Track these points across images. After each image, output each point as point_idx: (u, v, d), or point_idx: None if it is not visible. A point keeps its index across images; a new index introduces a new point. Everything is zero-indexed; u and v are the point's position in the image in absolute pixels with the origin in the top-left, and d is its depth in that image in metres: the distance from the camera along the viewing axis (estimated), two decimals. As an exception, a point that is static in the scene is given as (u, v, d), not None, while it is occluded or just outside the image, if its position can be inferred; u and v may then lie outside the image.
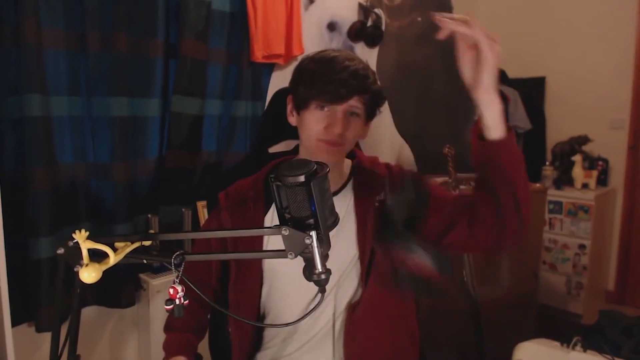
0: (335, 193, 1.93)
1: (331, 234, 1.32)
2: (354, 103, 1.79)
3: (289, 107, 1.93)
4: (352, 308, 1.87)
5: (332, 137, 1.80)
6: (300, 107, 1.85)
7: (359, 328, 1.87)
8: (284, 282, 1.91)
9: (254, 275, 1.93)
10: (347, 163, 2.02)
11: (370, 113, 1.89)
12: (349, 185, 1.97)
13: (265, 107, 3.70)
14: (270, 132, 3.15)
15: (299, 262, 1.26)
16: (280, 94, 3.40)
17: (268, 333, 1.98)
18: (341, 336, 1.87)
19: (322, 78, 1.77)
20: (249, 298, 1.94)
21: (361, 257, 1.87)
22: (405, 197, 1.67)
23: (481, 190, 1.69)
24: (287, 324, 1.33)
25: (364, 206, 1.90)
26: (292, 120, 1.94)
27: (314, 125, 1.81)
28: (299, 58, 3.74)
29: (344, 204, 1.92)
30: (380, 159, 2.07)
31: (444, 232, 1.82)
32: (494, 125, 1.57)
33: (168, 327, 2.04)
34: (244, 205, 1.96)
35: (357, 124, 1.85)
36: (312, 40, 4.10)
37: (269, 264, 1.92)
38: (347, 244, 1.88)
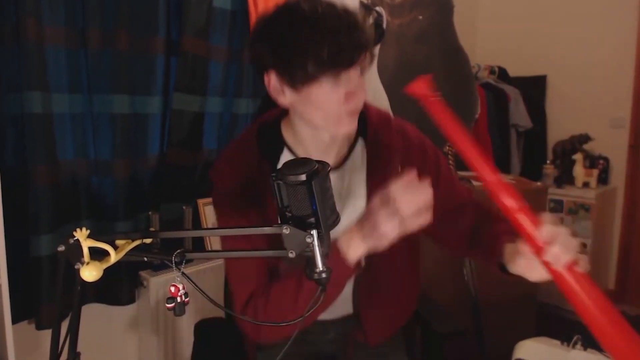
0: (344, 159, 1.81)
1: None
2: (363, 59, 1.57)
3: (274, 85, 1.62)
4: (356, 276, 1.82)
5: (355, 107, 1.61)
6: (302, 83, 1.54)
7: (364, 289, 1.87)
8: None
9: None
10: None
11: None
12: (359, 150, 1.82)
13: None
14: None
15: None
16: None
17: None
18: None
19: (334, 45, 1.47)
20: None
21: None
22: None
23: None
24: (288, 322, 1.31)
25: (377, 184, 1.60)
26: (284, 100, 1.64)
27: (334, 100, 1.55)
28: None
29: (355, 173, 1.80)
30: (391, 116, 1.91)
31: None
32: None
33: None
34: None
35: (363, 78, 1.63)
36: (313, 38, 4.08)
37: None
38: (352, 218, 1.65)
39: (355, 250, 1.52)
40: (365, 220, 1.49)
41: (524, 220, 1.38)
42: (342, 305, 1.88)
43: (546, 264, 1.36)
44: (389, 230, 1.43)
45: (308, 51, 1.47)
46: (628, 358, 1.27)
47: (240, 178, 1.77)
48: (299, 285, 1.57)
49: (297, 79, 1.53)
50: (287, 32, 1.51)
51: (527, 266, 1.47)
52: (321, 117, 1.61)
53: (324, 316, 1.83)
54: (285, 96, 1.62)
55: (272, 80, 1.61)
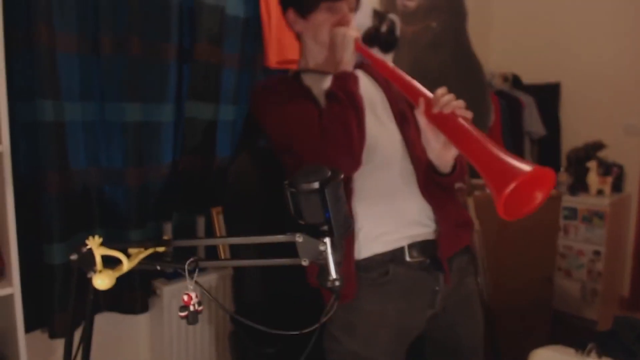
0: None
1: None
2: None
3: (291, 17, 2.28)
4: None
5: (346, 24, 2.16)
6: (308, 12, 2.20)
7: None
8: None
9: None
10: None
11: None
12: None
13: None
14: (255, 129, 3.13)
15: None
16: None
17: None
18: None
19: None
20: None
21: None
22: None
23: None
24: (299, 332, 1.31)
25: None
26: (298, 27, 2.28)
27: (328, 23, 2.16)
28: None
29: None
30: None
31: None
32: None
33: None
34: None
35: (354, 19, 2.24)
36: (326, 46, 4.08)
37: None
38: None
39: (340, 66, 2.10)
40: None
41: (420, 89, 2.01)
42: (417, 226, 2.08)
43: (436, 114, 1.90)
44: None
45: None
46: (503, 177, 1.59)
47: (278, 84, 2.30)
48: (333, 95, 2.04)
49: (305, 9, 2.20)
50: None
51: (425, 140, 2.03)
52: (321, 34, 2.19)
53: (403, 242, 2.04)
54: (298, 24, 2.26)
55: (290, 15, 2.28)
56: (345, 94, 1.98)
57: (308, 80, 2.26)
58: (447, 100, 1.87)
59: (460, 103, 1.90)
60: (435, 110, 1.88)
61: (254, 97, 2.25)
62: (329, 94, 2.03)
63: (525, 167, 1.58)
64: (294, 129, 2.03)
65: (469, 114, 1.90)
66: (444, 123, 1.89)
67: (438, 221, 2.06)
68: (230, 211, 2.60)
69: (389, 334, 2.03)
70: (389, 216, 2.03)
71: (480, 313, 2.30)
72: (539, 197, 1.65)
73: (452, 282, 2.09)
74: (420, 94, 1.97)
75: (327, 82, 2.14)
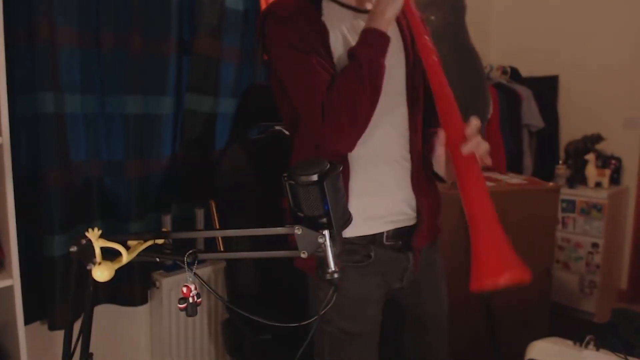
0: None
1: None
2: None
3: None
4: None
5: None
6: None
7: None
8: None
9: None
10: None
11: None
12: None
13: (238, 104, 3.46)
14: (246, 121, 3.12)
15: None
16: (249, 91, 3.32)
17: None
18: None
19: None
20: None
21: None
22: None
23: None
24: (295, 324, 1.31)
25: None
26: None
27: None
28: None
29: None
30: None
31: None
32: None
33: None
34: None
35: None
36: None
37: None
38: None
39: (379, 21, 1.81)
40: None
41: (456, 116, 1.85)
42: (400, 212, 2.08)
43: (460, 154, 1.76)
44: None
45: None
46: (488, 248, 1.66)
47: (293, 14, 1.90)
48: (356, 63, 1.76)
49: None
50: None
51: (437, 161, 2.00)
52: None
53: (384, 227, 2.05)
54: None
55: None
56: (368, 65, 1.74)
57: (330, 13, 1.95)
58: (476, 144, 1.76)
59: (486, 147, 1.79)
60: (464, 151, 1.75)
61: (262, 23, 1.94)
62: (351, 55, 1.79)
63: (511, 267, 1.61)
64: (297, 88, 1.89)
65: (489, 161, 1.81)
66: (464, 168, 1.78)
67: (420, 212, 2.07)
68: (223, 203, 2.61)
69: (373, 307, 2.08)
70: (378, 202, 2.02)
71: (444, 286, 2.31)
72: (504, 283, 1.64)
73: (421, 263, 2.14)
74: (452, 121, 1.85)
75: (352, 27, 1.94)
